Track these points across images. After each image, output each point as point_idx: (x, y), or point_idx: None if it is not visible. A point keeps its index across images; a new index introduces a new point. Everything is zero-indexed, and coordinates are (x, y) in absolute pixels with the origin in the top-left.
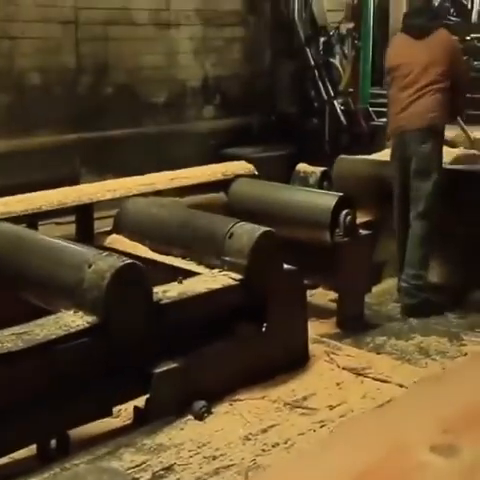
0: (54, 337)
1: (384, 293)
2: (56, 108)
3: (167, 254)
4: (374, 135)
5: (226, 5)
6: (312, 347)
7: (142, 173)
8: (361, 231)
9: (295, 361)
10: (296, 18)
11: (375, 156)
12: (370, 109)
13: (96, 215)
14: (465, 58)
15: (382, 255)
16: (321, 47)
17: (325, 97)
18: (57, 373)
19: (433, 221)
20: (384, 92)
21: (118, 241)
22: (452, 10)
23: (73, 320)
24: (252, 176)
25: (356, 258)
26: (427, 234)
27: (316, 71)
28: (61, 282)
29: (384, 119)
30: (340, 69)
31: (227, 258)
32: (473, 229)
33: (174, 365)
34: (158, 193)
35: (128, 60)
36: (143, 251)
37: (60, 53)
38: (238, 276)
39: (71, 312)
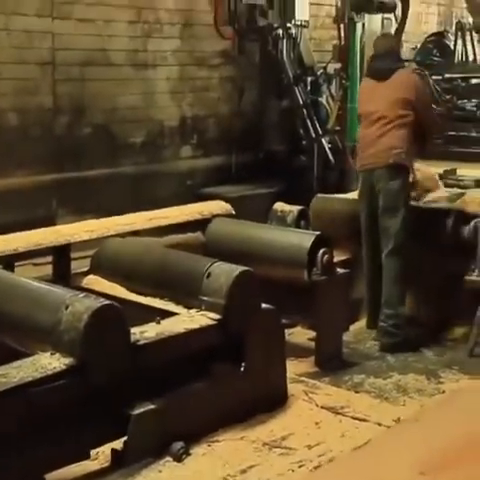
0: (30, 379)
1: (362, 331)
2: (33, 148)
3: (145, 294)
4: None
5: (206, 46)
6: (291, 386)
7: (120, 213)
8: (338, 269)
9: (274, 401)
10: (285, 58)
11: (352, 194)
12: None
13: (73, 255)
14: (449, 97)
15: (359, 293)
16: (309, 86)
17: (313, 135)
18: (34, 416)
19: (405, 257)
20: None
21: (95, 282)
22: (435, 50)
23: (50, 362)
24: (229, 216)
25: (334, 296)
26: (400, 271)
27: (304, 110)
28: (38, 324)
29: None
30: (328, 108)
31: (205, 298)
32: (442, 265)
33: (152, 406)
34: (136, 233)
35: (105, 100)
36: (121, 291)
37: (37, 94)
38: (216, 316)
39: (48, 354)
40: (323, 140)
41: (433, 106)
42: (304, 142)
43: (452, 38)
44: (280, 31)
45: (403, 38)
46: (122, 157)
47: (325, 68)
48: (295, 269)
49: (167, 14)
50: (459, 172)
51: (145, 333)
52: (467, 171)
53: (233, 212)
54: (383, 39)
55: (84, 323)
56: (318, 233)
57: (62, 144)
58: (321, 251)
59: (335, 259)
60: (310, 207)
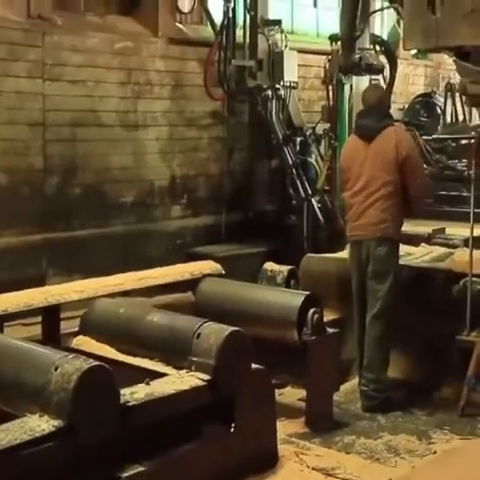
0: (19, 442)
1: (352, 391)
2: (23, 208)
3: (134, 355)
4: None
5: (196, 107)
6: (281, 447)
7: (109, 273)
8: (329, 329)
9: (264, 462)
10: (274, 119)
11: (341, 254)
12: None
13: (63, 315)
14: (438, 156)
15: (350, 353)
16: (298, 147)
17: (303, 195)
18: (22, 479)
19: (389, 321)
20: None
21: (85, 342)
22: (422, 111)
23: (38, 424)
24: (219, 275)
25: (324, 356)
26: (383, 335)
27: (294, 170)
28: (27, 385)
29: None
30: (317, 168)
31: (195, 358)
32: (432, 324)
33: (141, 469)
34: (126, 293)
35: (96, 160)
36: (110, 352)
37: (28, 154)
38: (206, 377)
39: (36, 416)
40: (313, 200)
41: (423, 165)
42: (294, 202)
43: (439, 98)
44: (269, 92)
45: (391, 99)
46: (112, 217)
47: (314, 128)
48: (285, 329)
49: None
50: (448, 231)
51: (135, 394)
52: (456, 230)
53: (223, 272)
54: (371, 91)
55: (73, 384)
56: (308, 293)
57: (52, 204)
58: (311, 311)
59: (325, 319)
60: (300, 267)
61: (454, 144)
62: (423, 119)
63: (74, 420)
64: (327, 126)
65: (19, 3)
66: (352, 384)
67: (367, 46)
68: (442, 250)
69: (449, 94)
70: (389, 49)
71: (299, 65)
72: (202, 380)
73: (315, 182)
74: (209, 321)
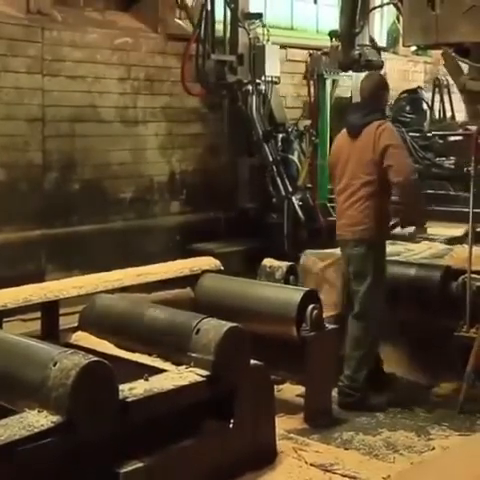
0: (17, 438)
1: None
2: (22, 204)
3: (133, 351)
4: (332, 231)
5: (189, 103)
6: (280, 443)
7: (109, 269)
8: (327, 325)
9: (263, 458)
10: (254, 115)
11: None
12: (328, 205)
13: (62, 311)
14: (425, 154)
15: None
16: (280, 143)
17: (283, 193)
18: (21, 474)
19: (370, 322)
20: None
21: (84, 338)
22: (408, 107)
23: (37, 420)
24: (218, 271)
25: (323, 352)
26: (363, 335)
27: (274, 167)
28: (25, 381)
29: None
30: (298, 165)
31: (194, 354)
32: (431, 320)
33: (140, 464)
34: (125, 289)
35: (95, 156)
36: (109, 348)
37: (27, 150)
38: (205, 372)
39: (35, 411)
40: (293, 198)
41: (408, 161)
42: (274, 200)
43: (426, 94)
44: (250, 87)
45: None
46: (111, 212)
47: (296, 125)
48: (284, 325)
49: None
50: (430, 231)
51: (133, 390)
52: (438, 230)
53: (222, 268)
54: (365, 81)
55: (72, 380)
56: (307, 289)
57: (51, 200)
58: (310, 307)
59: (324, 315)
60: (299, 262)
61: (441, 141)
62: (409, 115)
63: (73, 416)
64: (308, 122)
65: None
66: None
67: (367, 42)
68: (441, 247)
69: (437, 90)
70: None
71: (288, 60)
72: (201, 376)
73: (296, 180)
74: (208, 317)
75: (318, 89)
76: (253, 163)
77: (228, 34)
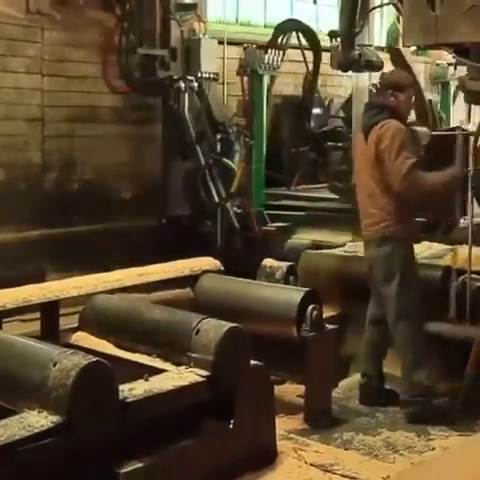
0: (17, 438)
1: (351, 387)
2: (22, 204)
3: (133, 351)
4: (267, 240)
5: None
6: (280, 443)
7: (108, 269)
8: (327, 325)
9: (263, 458)
10: (186, 113)
11: (340, 250)
12: (265, 212)
13: (62, 311)
14: None
15: (349, 349)
16: (219, 144)
17: (216, 199)
18: (21, 475)
19: (411, 323)
20: (288, 193)
21: (84, 338)
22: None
23: (37, 420)
24: (218, 272)
25: (323, 353)
26: (408, 338)
27: (207, 171)
28: (25, 381)
29: (280, 223)
30: (235, 169)
31: (193, 354)
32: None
33: (140, 464)
34: (125, 289)
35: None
36: (109, 348)
37: (26, 150)
38: (204, 373)
39: (35, 412)
40: (228, 204)
41: (407, 158)
42: (208, 206)
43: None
44: (182, 84)
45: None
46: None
47: (237, 124)
48: (284, 325)
49: None
50: None
51: (133, 390)
52: None
53: (222, 268)
54: (381, 78)
55: (72, 380)
56: (307, 289)
57: (50, 200)
58: (310, 307)
59: (324, 315)
60: (299, 263)
61: None
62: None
63: (73, 416)
64: (243, 122)
65: None
66: (351, 380)
67: (367, 42)
68: (441, 247)
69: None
70: (313, 36)
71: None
72: (201, 376)
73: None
74: (208, 317)
75: (253, 86)
76: (187, 167)
77: (158, 26)
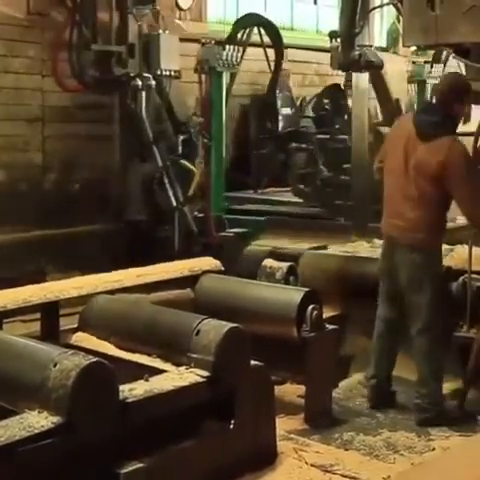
0: (17, 438)
1: (351, 388)
2: (22, 204)
3: (133, 351)
4: (225, 246)
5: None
6: (280, 444)
7: (109, 269)
8: (328, 326)
9: (263, 458)
10: (143, 112)
11: (340, 250)
12: (224, 217)
13: (62, 312)
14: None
15: (349, 349)
16: (180, 145)
17: (174, 203)
18: (21, 475)
19: (435, 333)
20: (251, 196)
21: (84, 339)
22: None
23: (37, 421)
24: (219, 272)
25: (323, 353)
26: (432, 349)
27: (165, 173)
28: (25, 381)
29: (239, 229)
30: (195, 171)
31: (194, 355)
32: None
33: (141, 465)
34: (125, 290)
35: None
36: (109, 349)
37: (27, 150)
38: (205, 373)
39: (35, 412)
40: (185, 208)
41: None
42: (165, 210)
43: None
44: (139, 82)
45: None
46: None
47: (201, 124)
48: (284, 325)
49: None
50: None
51: (134, 391)
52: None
53: (222, 268)
54: (440, 82)
55: (72, 381)
56: (307, 289)
57: (51, 200)
58: (310, 307)
59: (324, 315)
60: (299, 263)
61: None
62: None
63: (73, 416)
64: (201, 121)
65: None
66: (351, 381)
67: (367, 43)
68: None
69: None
70: (274, 32)
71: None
72: (201, 377)
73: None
74: (208, 318)
75: (210, 84)
76: (146, 169)
77: (115, 21)
